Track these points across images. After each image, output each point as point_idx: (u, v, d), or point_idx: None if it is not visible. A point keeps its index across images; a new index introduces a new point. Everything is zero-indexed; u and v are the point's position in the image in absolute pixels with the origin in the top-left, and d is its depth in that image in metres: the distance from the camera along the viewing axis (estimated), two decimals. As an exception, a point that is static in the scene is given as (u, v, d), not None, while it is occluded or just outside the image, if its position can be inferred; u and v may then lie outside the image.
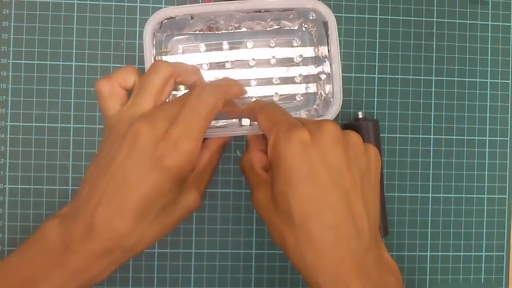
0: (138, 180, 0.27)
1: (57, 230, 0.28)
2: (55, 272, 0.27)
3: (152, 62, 0.34)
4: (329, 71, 0.35)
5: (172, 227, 0.30)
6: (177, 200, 0.29)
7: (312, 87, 0.38)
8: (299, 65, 0.38)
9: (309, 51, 0.37)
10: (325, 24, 0.35)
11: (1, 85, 0.39)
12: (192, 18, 0.35)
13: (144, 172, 0.27)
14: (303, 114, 0.38)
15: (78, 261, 0.27)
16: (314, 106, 0.38)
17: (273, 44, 0.37)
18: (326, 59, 0.36)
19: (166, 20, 0.34)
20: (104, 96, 0.30)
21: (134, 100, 0.30)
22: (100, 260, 0.28)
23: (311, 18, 0.36)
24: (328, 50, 0.35)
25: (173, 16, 0.34)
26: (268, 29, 0.37)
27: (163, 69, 0.30)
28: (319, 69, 0.37)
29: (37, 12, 0.39)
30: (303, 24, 0.37)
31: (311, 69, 0.38)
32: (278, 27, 0.37)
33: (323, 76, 0.37)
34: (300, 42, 0.38)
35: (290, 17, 0.36)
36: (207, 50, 0.37)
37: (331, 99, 0.35)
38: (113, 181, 0.27)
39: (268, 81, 0.38)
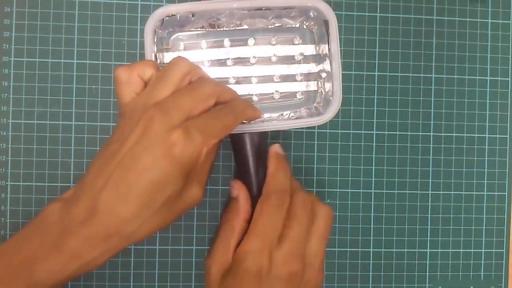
0: (146, 166, 0.28)
1: (58, 213, 0.29)
2: (52, 254, 0.28)
3: (153, 59, 0.34)
4: (329, 69, 0.36)
5: (172, 220, 0.30)
6: (181, 193, 0.30)
7: (313, 85, 0.38)
8: (300, 63, 0.38)
9: (310, 49, 0.38)
10: (326, 23, 0.36)
11: (3, 83, 0.39)
12: (193, 15, 0.36)
13: (154, 158, 0.28)
14: (303, 112, 0.38)
15: (76, 245, 0.28)
16: (315, 104, 0.38)
17: (274, 42, 0.38)
18: (326, 57, 0.36)
19: (167, 18, 0.35)
20: (122, 82, 0.31)
21: (151, 90, 0.30)
22: (98, 245, 0.28)
23: (312, 16, 0.37)
24: (329, 49, 0.36)
25: (174, 13, 0.35)
26: (269, 26, 0.38)
27: (182, 65, 0.31)
28: (320, 67, 0.37)
29: (39, 10, 0.40)
30: (305, 22, 0.38)
31: (312, 67, 0.38)
32: (280, 25, 0.38)
33: (323, 74, 0.37)
34: (301, 40, 0.38)
35: (292, 15, 0.37)
36: (208, 47, 0.37)
37: (331, 98, 0.36)
38: (121, 165, 0.28)
39: (268, 79, 0.38)
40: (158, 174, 0.28)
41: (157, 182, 0.28)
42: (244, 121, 0.35)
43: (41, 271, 0.28)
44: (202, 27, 0.37)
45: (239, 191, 0.35)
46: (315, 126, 0.41)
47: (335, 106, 0.36)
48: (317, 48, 0.38)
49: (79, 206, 0.28)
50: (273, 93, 0.38)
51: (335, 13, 0.35)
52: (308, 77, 0.38)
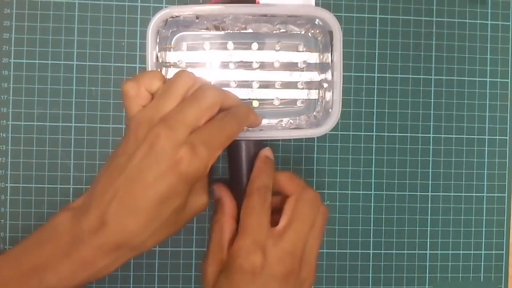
0: (153, 180, 0.29)
1: (68, 222, 0.30)
2: (63, 262, 0.29)
3: (154, 60, 0.35)
4: (331, 79, 0.36)
5: (180, 227, 0.32)
6: (187, 203, 0.31)
7: (314, 94, 0.39)
8: (303, 71, 0.38)
9: (313, 57, 0.38)
10: (330, 33, 0.36)
11: (3, 84, 0.40)
12: (197, 18, 0.36)
13: (160, 173, 0.29)
14: (302, 119, 0.38)
15: (86, 254, 0.29)
16: (314, 112, 0.38)
17: (278, 48, 0.38)
18: (329, 67, 0.37)
19: (171, 18, 0.35)
20: (130, 97, 0.31)
21: (156, 104, 0.31)
22: (108, 255, 0.29)
23: (318, 24, 0.37)
24: (331, 59, 0.36)
25: (177, 15, 0.35)
26: (274, 32, 0.38)
27: (186, 78, 0.32)
28: (322, 76, 0.38)
29: (38, 12, 0.40)
30: (310, 30, 0.38)
31: (314, 76, 0.38)
32: (285, 31, 0.38)
33: (325, 84, 0.37)
34: (305, 48, 0.38)
35: (297, 22, 0.37)
36: (211, 49, 0.38)
37: (330, 110, 0.36)
38: (128, 179, 0.29)
39: (270, 85, 0.38)
40: (164, 188, 0.29)
41: (163, 196, 0.29)
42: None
43: (51, 278, 0.29)
44: (207, 28, 0.37)
45: (220, 192, 0.36)
46: (314, 127, 0.42)
47: (334, 117, 0.36)
48: (321, 56, 0.38)
49: (88, 217, 0.29)
50: (273, 99, 0.39)
51: (335, 15, 0.36)
52: (309, 85, 0.39)
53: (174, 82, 0.32)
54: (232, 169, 0.37)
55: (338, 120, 0.36)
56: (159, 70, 0.35)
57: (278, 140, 0.42)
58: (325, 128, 0.36)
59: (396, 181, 0.43)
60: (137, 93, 0.31)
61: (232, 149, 0.36)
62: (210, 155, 0.30)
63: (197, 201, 0.32)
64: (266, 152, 0.37)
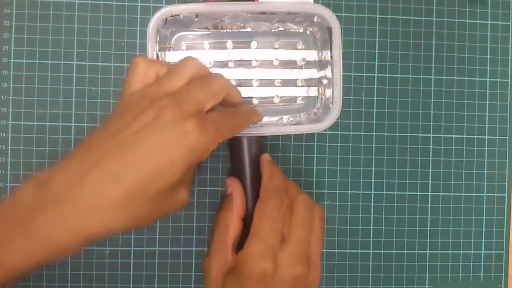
0: (153, 149, 0.26)
1: (30, 192, 0.26)
2: (17, 235, 0.25)
3: (154, 58, 0.35)
4: (331, 76, 0.36)
5: (152, 220, 0.29)
6: (171, 192, 0.29)
7: (313, 91, 0.39)
8: (302, 68, 0.39)
9: (312, 55, 0.38)
10: (329, 30, 0.36)
11: (3, 84, 0.40)
12: (197, 16, 0.36)
13: (164, 142, 0.27)
14: (302, 117, 0.39)
15: (46, 226, 0.25)
16: (314, 110, 0.39)
17: (277, 46, 0.38)
18: (328, 64, 0.37)
19: (170, 17, 0.36)
20: (138, 71, 0.31)
21: (162, 81, 0.30)
22: (71, 232, 0.26)
23: (316, 21, 0.37)
24: (331, 56, 0.36)
25: (177, 14, 0.35)
26: (273, 30, 0.38)
27: (193, 63, 0.31)
28: (321, 73, 0.38)
29: (38, 12, 0.40)
30: (309, 28, 0.38)
31: (314, 73, 0.39)
32: (283, 29, 0.38)
33: (324, 81, 0.38)
34: (304, 46, 0.38)
35: (296, 20, 0.37)
36: (210, 48, 0.38)
37: (331, 105, 0.36)
38: (122, 145, 0.27)
39: (269, 83, 0.39)
40: (162, 159, 0.26)
41: (158, 168, 0.26)
42: None
43: (8, 254, 0.25)
44: (206, 28, 0.38)
45: (233, 188, 0.35)
46: (314, 127, 0.42)
47: (334, 113, 0.36)
48: (320, 54, 0.38)
49: (52, 186, 0.26)
50: (273, 97, 0.39)
51: (335, 15, 0.36)
52: (309, 82, 0.39)
53: (181, 65, 0.31)
54: (234, 167, 0.37)
55: (338, 119, 0.36)
56: None
57: (278, 140, 0.42)
58: (326, 123, 0.36)
59: (396, 181, 0.43)
60: (146, 70, 0.31)
61: (234, 145, 0.36)
62: (215, 136, 0.28)
63: (179, 195, 0.29)
64: (268, 157, 0.37)
